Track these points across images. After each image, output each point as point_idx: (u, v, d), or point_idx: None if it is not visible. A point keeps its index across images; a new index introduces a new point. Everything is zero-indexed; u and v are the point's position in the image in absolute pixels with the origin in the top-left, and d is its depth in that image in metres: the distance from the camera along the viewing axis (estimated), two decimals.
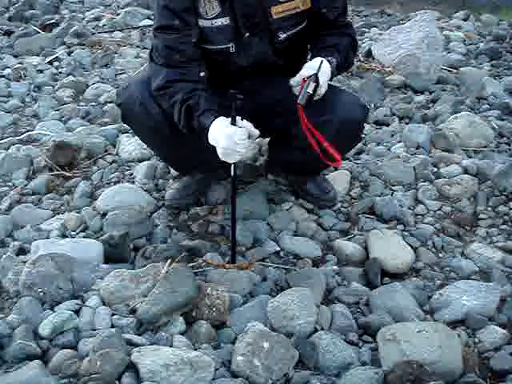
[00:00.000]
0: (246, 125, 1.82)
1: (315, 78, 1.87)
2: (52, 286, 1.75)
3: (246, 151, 1.83)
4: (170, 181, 2.48)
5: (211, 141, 1.84)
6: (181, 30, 1.90)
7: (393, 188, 2.52)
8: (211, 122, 1.84)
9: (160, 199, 2.39)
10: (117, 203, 2.27)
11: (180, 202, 2.32)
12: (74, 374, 1.49)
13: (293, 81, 1.96)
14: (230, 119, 1.81)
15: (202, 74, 1.95)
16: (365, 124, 2.26)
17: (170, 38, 1.91)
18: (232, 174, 1.93)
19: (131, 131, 2.80)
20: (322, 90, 1.93)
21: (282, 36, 1.99)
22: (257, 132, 1.86)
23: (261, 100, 2.00)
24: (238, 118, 1.81)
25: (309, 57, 2.10)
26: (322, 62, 1.91)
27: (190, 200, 2.33)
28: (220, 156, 1.84)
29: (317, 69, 1.88)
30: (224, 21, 1.94)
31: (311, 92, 1.87)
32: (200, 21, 1.94)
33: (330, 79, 1.99)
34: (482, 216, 2.38)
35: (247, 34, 1.98)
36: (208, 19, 1.94)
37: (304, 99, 1.88)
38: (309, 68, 1.92)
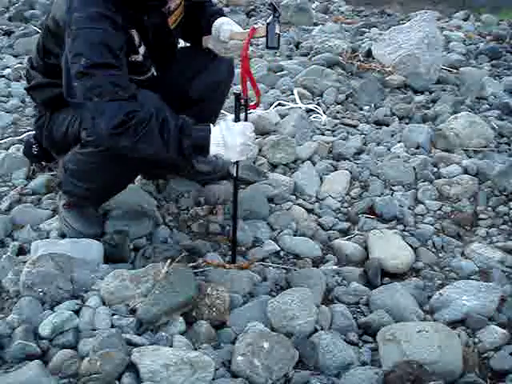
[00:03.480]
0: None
1: (277, 18, 1.88)
2: (52, 286, 1.75)
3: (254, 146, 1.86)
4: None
5: (215, 148, 1.78)
6: (120, 68, 1.77)
7: (393, 188, 2.53)
8: (209, 131, 1.78)
9: (160, 199, 2.39)
10: (117, 203, 2.26)
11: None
12: (73, 374, 1.49)
13: (229, 44, 2.07)
14: (228, 120, 1.81)
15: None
16: None
17: (114, 75, 1.74)
18: (234, 173, 1.93)
19: None
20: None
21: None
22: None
23: (170, 81, 2.11)
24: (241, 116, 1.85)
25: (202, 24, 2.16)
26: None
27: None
28: (236, 156, 1.81)
29: (273, 14, 1.89)
30: (141, 50, 1.93)
31: (279, 32, 1.88)
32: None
33: None
34: (482, 216, 2.38)
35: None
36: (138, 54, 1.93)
37: (275, 41, 1.88)
38: (231, 27, 2.06)
